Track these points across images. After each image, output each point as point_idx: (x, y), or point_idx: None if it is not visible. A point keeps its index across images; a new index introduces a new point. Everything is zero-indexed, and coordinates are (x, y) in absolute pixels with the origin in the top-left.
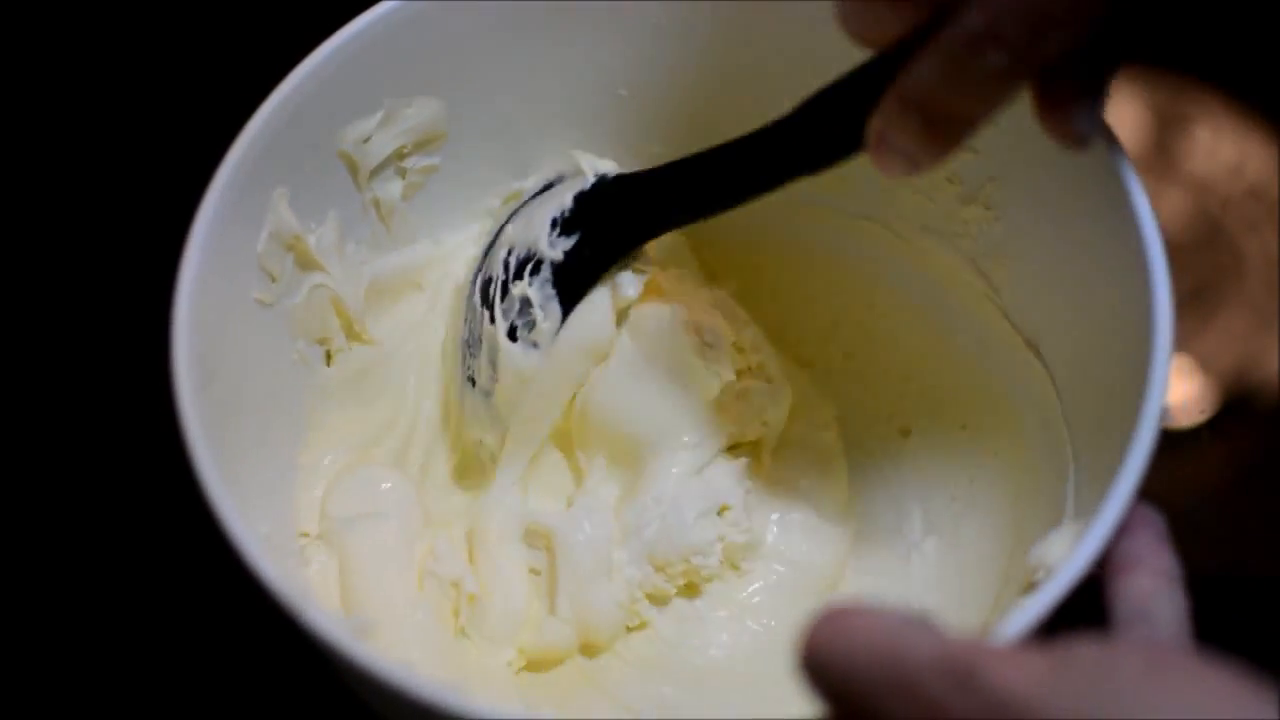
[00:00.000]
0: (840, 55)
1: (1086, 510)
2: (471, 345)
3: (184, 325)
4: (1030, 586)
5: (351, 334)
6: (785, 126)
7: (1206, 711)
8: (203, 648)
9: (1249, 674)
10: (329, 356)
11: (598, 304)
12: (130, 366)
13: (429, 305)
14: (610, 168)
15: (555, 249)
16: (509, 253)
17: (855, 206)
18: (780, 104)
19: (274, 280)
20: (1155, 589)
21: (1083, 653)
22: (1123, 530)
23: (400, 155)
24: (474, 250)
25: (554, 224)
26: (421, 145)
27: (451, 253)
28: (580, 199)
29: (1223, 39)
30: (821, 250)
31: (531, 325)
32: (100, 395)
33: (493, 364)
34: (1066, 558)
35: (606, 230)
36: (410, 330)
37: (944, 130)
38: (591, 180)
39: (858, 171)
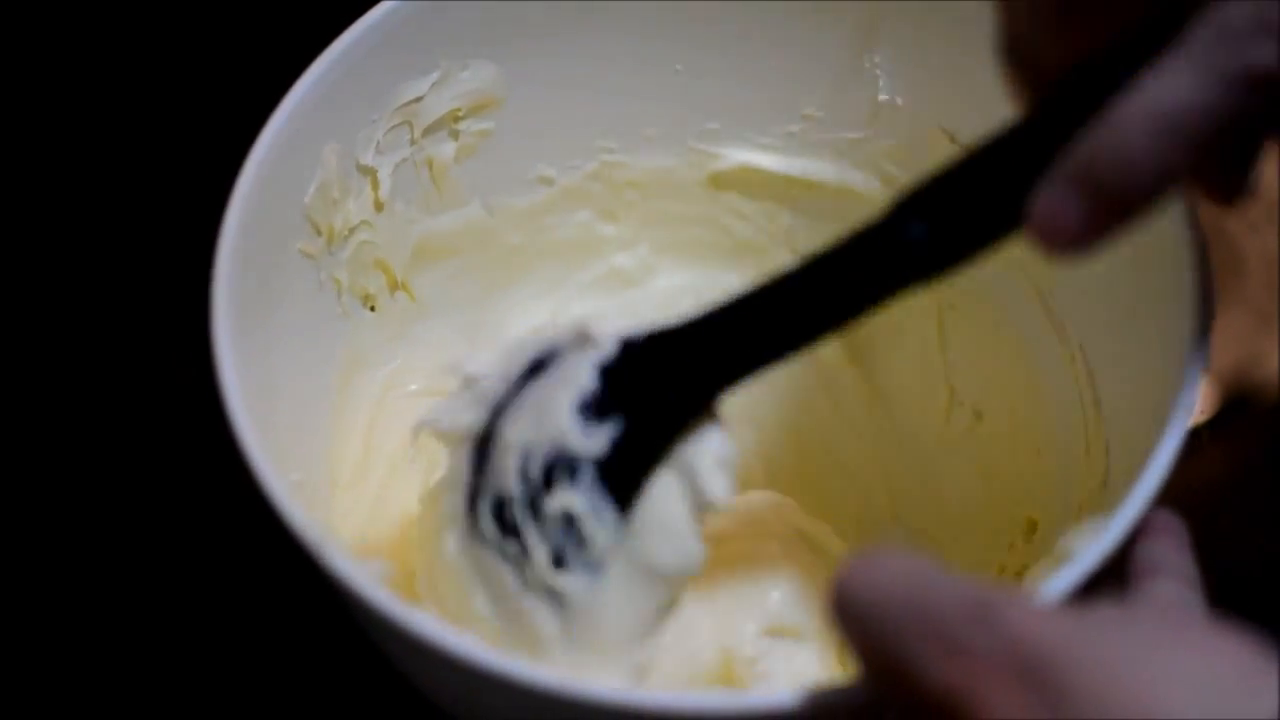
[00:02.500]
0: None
1: (1115, 504)
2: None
3: (225, 271)
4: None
5: (396, 289)
6: (893, 230)
7: (1214, 670)
8: (232, 597)
9: (1264, 641)
10: (373, 308)
11: (672, 515)
12: (170, 322)
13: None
14: (618, 329)
15: (593, 441)
16: (523, 460)
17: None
18: (837, 90)
19: (320, 233)
20: (1177, 591)
21: (1101, 609)
22: (1146, 535)
23: (455, 117)
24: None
25: (580, 411)
26: (477, 109)
27: (502, 221)
28: (608, 372)
29: None
30: None
31: (582, 542)
32: (137, 348)
33: (558, 604)
34: (1090, 543)
35: (657, 402)
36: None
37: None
38: (615, 347)
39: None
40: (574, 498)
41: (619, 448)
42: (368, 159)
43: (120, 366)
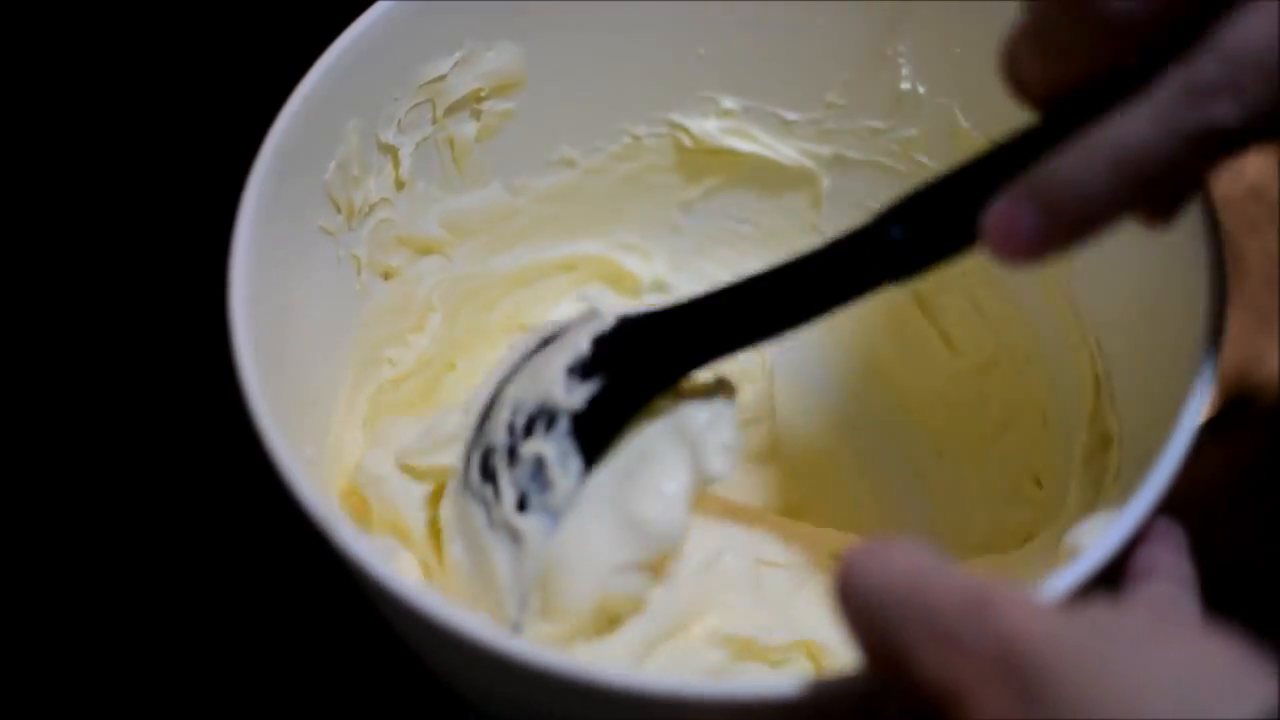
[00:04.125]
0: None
1: (1124, 499)
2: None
3: (243, 246)
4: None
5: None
6: (875, 232)
7: (1199, 672)
8: (248, 577)
9: (1256, 642)
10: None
11: (669, 479)
12: (188, 302)
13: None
14: (622, 308)
15: (573, 396)
16: (512, 414)
17: None
18: (860, 77)
19: (339, 210)
20: (1172, 593)
21: (1094, 608)
22: (1143, 540)
23: (477, 97)
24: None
25: (569, 372)
26: (499, 90)
27: (524, 202)
28: (600, 341)
29: None
30: None
31: (546, 487)
32: (154, 329)
33: (517, 544)
34: (1098, 538)
35: (635, 370)
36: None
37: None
38: (612, 321)
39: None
40: (546, 445)
41: (594, 404)
42: (389, 137)
43: (137, 348)
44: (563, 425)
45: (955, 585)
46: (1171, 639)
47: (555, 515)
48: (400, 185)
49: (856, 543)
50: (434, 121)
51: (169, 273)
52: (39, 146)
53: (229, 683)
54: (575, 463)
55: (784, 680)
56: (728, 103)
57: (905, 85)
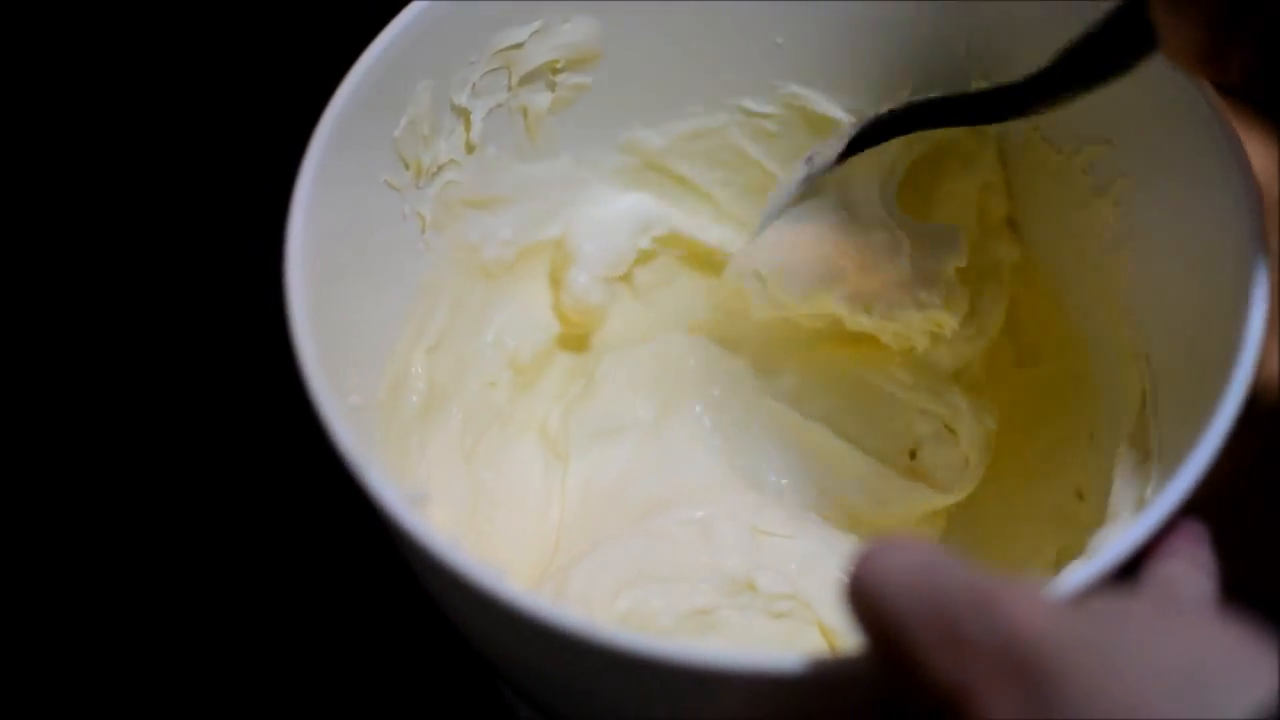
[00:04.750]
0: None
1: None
2: None
3: (305, 191)
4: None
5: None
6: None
7: (1206, 664)
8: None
9: (1266, 629)
10: None
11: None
12: (241, 245)
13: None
14: None
15: (884, 111)
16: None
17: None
18: (931, 76)
19: (408, 168)
20: (1186, 572)
21: (1102, 600)
22: (1166, 531)
23: (553, 69)
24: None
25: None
26: (575, 63)
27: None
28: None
29: None
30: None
31: (813, 157)
32: (209, 270)
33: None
34: (1124, 532)
35: (921, 106)
36: None
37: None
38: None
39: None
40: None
41: (878, 120)
42: (462, 100)
43: (193, 302)
44: (856, 125)
45: (964, 583)
46: (1179, 627)
47: (800, 175)
48: (470, 149)
49: (868, 540)
50: (509, 89)
51: (230, 222)
52: (114, 98)
53: (258, 647)
54: (838, 144)
55: (793, 657)
56: (801, 92)
57: (977, 84)
